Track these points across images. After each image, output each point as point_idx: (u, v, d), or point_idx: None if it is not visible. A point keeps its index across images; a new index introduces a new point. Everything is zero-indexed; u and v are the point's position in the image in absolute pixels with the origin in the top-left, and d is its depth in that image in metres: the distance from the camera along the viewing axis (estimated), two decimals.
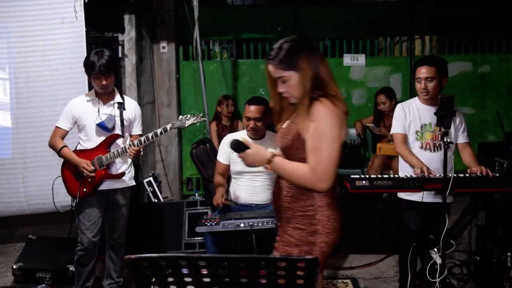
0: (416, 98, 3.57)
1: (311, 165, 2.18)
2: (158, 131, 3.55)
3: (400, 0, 6.78)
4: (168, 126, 3.53)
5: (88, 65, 3.51)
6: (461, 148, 3.52)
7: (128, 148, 3.53)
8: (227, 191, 4.04)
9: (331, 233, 2.26)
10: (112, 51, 5.46)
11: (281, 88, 2.28)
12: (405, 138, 3.50)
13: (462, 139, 3.50)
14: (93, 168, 3.56)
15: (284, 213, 2.32)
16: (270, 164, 2.27)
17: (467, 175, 3.28)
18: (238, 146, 2.35)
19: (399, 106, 3.59)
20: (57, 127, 3.68)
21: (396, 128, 3.53)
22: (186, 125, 3.57)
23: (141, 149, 3.58)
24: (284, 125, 2.36)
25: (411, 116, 3.49)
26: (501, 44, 6.53)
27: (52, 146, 3.69)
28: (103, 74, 3.49)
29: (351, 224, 4.66)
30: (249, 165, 2.34)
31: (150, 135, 3.54)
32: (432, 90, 3.40)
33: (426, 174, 3.21)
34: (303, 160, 2.22)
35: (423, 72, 3.41)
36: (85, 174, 3.56)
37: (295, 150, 2.26)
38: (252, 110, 3.90)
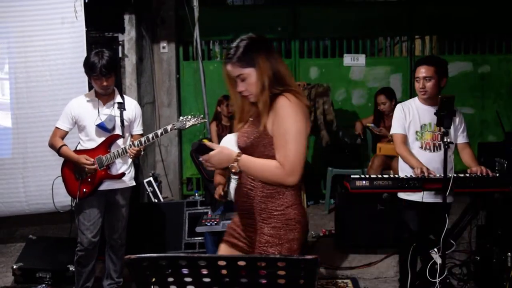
0: (416, 98, 3.57)
1: (280, 160, 2.19)
2: (159, 132, 3.55)
3: (400, 0, 6.79)
4: (169, 127, 3.53)
5: (89, 66, 3.50)
6: (461, 148, 3.52)
7: (129, 149, 3.53)
8: (227, 193, 4.04)
9: (305, 228, 2.34)
10: (112, 51, 5.46)
11: (240, 87, 2.27)
12: (405, 138, 3.50)
13: (461, 139, 3.50)
14: (92, 161, 3.55)
15: (259, 214, 2.28)
16: (238, 163, 2.23)
17: (467, 175, 3.28)
18: (203, 149, 2.26)
19: (398, 106, 3.59)
20: (56, 127, 3.68)
21: (396, 128, 3.53)
22: (187, 126, 3.57)
23: (142, 150, 3.58)
24: (246, 125, 2.36)
25: (411, 116, 3.49)
26: (501, 44, 6.54)
27: (51, 146, 3.69)
28: (104, 75, 3.48)
29: (351, 224, 4.71)
30: (215, 166, 2.28)
31: (150, 136, 3.54)
32: (430, 90, 3.40)
33: (426, 174, 3.21)
34: (269, 157, 2.23)
35: (421, 71, 3.41)
36: (86, 169, 3.55)
37: (261, 147, 2.26)
38: None
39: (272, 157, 2.22)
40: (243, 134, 2.34)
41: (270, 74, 2.22)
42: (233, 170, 2.26)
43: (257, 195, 2.29)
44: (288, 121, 2.17)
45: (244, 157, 2.25)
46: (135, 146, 3.51)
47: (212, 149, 2.25)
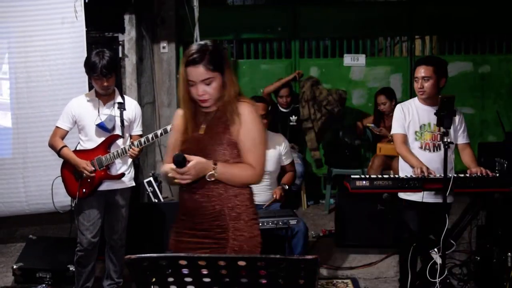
0: (416, 98, 3.57)
1: (252, 163, 2.31)
2: (158, 132, 3.55)
3: (400, 0, 6.79)
4: (168, 127, 3.53)
5: (89, 66, 3.50)
6: (461, 148, 3.52)
7: (129, 149, 3.53)
8: None
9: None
10: (112, 51, 5.46)
11: (201, 90, 2.27)
12: (405, 138, 3.50)
13: (462, 139, 3.50)
14: (93, 168, 3.56)
15: (231, 212, 2.35)
16: (215, 171, 2.25)
17: (467, 175, 3.28)
18: (181, 161, 2.22)
19: (398, 106, 3.59)
20: (57, 127, 3.68)
21: (396, 128, 3.54)
22: None
23: (141, 150, 3.58)
24: (201, 132, 2.35)
25: (410, 117, 3.49)
26: (501, 44, 6.53)
27: (52, 146, 3.69)
28: (104, 76, 3.48)
29: (351, 224, 4.71)
30: (194, 177, 2.23)
31: (150, 136, 3.55)
32: (429, 90, 3.40)
33: (426, 174, 3.21)
34: (226, 161, 2.30)
35: (420, 71, 3.42)
36: (84, 174, 3.56)
37: (230, 151, 2.32)
38: None
39: (228, 160, 2.30)
40: (205, 140, 2.34)
41: (235, 81, 2.34)
42: (211, 179, 2.27)
43: (225, 196, 2.34)
44: (256, 127, 2.32)
45: (220, 165, 2.28)
46: (135, 147, 3.52)
47: (188, 161, 2.23)
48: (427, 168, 3.25)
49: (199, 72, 2.26)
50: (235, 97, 2.33)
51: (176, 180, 2.26)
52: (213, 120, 2.36)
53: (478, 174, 3.26)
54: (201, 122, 2.38)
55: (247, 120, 2.31)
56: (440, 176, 3.17)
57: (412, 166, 3.34)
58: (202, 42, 2.31)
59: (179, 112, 2.45)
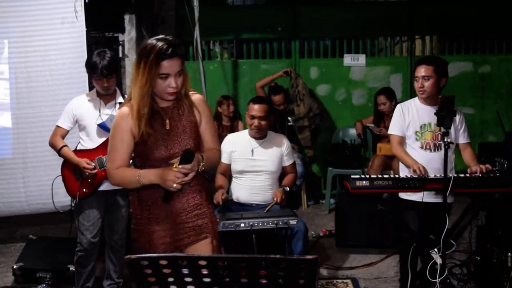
0: (416, 98, 3.58)
1: (216, 146, 2.56)
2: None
3: (400, 0, 6.79)
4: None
5: (90, 66, 3.50)
6: (462, 148, 3.52)
7: None
8: (228, 191, 4.04)
9: None
10: (112, 51, 5.45)
11: (175, 83, 2.32)
12: (402, 140, 3.53)
13: (462, 139, 3.51)
14: (93, 165, 3.55)
15: (207, 198, 2.57)
16: (204, 161, 2.39)
17: (467, 175, 3.28)
18: (189, 156, 2.29)
19: (398, 107, 3.59)
20: (57, 126, 3.68)
21: (393, 129, 3.55)
22: None
23: None
24: (167, 127, 2.41)
25: (410, 117, 3.50)
26: (501, 44, 6.54)
27: (52, 145, 3.69)
28: (105, 76, 3.48)
29: (351, 224, 4.71)
30: (193, 170, 2.32)
31: None
32: (429, 89, 3.40)
33: (422, 173, 3.22)
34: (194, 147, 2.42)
35: (420, 71, 3.42)
36: (86, 173, 3.55)
37: (195, 142, 2.46)
38: (257, 108, 3.91)
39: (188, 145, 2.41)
40: (181, 133, 2.43)
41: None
42: (203, 169, 2.39)
43: (202, 186, 2.52)
44: (210, 114, 2.57)
45: (204, 154, 2.44)
46: None
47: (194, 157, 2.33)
48: (424, 167, 3.26)
49: (176, 64, 2.30)
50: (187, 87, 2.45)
51: (177, 183, 2.29)
52: (174, 115, 2.43)
53: (478, 171, 3.27)
54: (162, 118, 2.41)
55: (204, 109, 2.50)
56: (440, 176, 3.17)
57: (408, 166, 3.36)
58: (163, 36, 2.37)
59: (126, 111, 2.41)
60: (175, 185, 2.28)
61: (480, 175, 3.26)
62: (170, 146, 2.40)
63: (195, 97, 2.51)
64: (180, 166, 2.28)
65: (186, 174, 2.29)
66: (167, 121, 2.41)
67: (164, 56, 2.27)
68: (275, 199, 3.88)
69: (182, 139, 2.42)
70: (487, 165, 3.29)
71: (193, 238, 2.47)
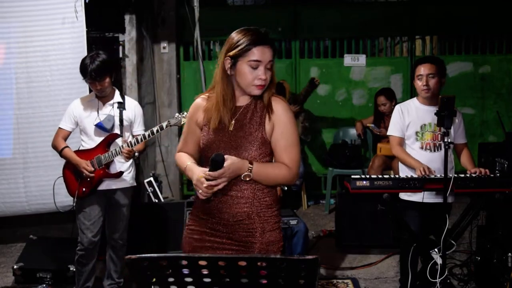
0: (415, 98, 3.57)
1: (287, 163, 2.21)
2: (154, 129, 3.54)
3: (400, 0, 6.79)
4: (164, 124, 3.52)
5: (81, 70, 3.51)
6: (459, 149, 3.52)
7: (121, 149, 3.53)
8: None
9: None
10: (112, 51, 5.46)
11: (265, 73, 2.17)
12: (401, 141, 3.52)
13: (460, 139, 3.50)
14: (92, 168, 3.56)
15: (258, 215, 2.23)
16: (252, 170, 2.15)
17: (468, 175, 3.28)
18: (221, 162, 2.08)
19: (397, 107, 3.59)
20: (59, 128, 3.71)
21: (392, 130, 3.55)
22: (182, 123, 3.55)
23: (136, 152, 3.57)
24: (231, 128, 2.21)
25: (410, 117, 3.49)
26: (501, 44, 6.53)
27: (54, 147, 3.71)
28: (94, 79, 3.48)
29: (351, 224, 4.71)
30: (228, 180, 2.12)
31: (146, 133, 3.56)
32: (434, 87, 3.39)
33: (427, 173, 3.21)
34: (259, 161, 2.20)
35: (424, 69, 3.39)
36: (84, 174, 3.56)
37: (260, 150, 2.22)
38: None
39: (256, 159, 2.19)
40: (237, 138, 2.21)
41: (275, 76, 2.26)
42: (246, 179, 2.16)
43: (255, 197, 2.22)
44: (292, 126, 2.24)
45: (256, 164, 2.17)
46: (128, 146, 3.51)
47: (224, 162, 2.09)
48: (428, 167, 3.25)
49: (269, 52, 2.14)
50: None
51: (206, 189, 2.11)
52: (243, 116, 2.22)
53: (478, 174, 3.26)
54: (229, 117, 2.22)
55: (283, 118, 2.21)
56: (441, 176, 3.17)
57: (413, 167, 3.34)
58: (256, 28, 2.18)
59: (199, 103, 2.30)
60: (200, 190, 2.13)
61: (480, 175, 3.26)
62: (226, 150, 2.19)
63: (276, 103, 2.23)
64: (206, 173, 2.10)
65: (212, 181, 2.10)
66: (233, 122, 2.21)
67: (257, 41, 2.11)
68: None
69: (242, 144, 2.19)
70: (486, 170, 3.29)
71: (235, 254, 2.20)
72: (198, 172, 2.18)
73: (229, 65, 2.17)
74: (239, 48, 2.13)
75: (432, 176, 3.22)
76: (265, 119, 2.21)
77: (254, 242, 2.21)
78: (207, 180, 2.11)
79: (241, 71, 2.15)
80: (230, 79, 2.21)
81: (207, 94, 2.31)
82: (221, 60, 2.20)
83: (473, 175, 3.26)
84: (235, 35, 2.18)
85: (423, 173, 3.22)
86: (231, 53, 2.15)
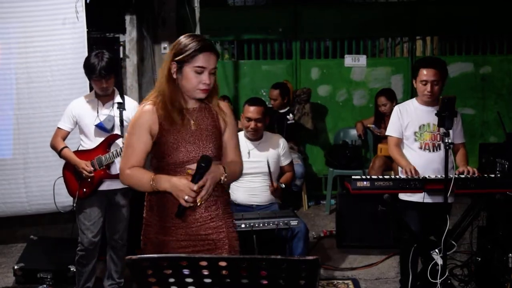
0: (414, 99, 3.58)
1: (238, 159, 2.43)
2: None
3: (401, 0, 6.79)
4: None
5: (88, 68, 3.50)
6: (456, 148, 3.52)
7: None
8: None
9: None
10: (113, 51, 5.45)
11: (209, 79, 2.26)
12: (399, 141, 3.54)
13: (457, 139, 3.50)
14: (92, 169, 3.56)
15: (225, 211, 2.38)
16: (226, 172, 2.27)
17: (468, 176, 3.28)
18: (209, 163, 2.16)
19: (396, 108, 3.59)
20: (58, 128, 3.70)
21: (391, 131, 3.57)
22: None
23: None
24: (193, 127, 2.31)
25: (409, 118, 3.49)
26: (502, 45, 6.53)
27: (53, 147, 3.70)
28: (103, 77, 3.48)
29: (352, 224, 4.71)
30: (210, 190, 2.20)
31: None
32: (437, 93, 3.41)
33: (413, 174, 3.24)
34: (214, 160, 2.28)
35: (430, 75, 3.37)
36: (84, 175, 3.56)
37: (217, 149, 2.36)
38: (253, 110, 3.90)
39: (213, 158, 2.28)
40: (199, 137, 2.31)
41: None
42: (223, 181, 2.27)
43: (219, 197, 2.34)
44: (236, 124, 2.49)
45: (226, 167, 2.31)
46: None
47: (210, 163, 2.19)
48: (415, 169, 3.28)
49: (213, 59, 2.25)
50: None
51: (191, 198, 2.15)
52: (201, 116, 2.34)
53: (465, 173, 3.27)
54: (186, 118, 2.30)
55: (231, 120, 2.41)
56: (441, 176, 3.17)
57: (402, 167, 3.37)
58: (200, 35, 2.33)
59: (148, 108, 2.29)
60: (186, 197, 2.14)
61: (469, 176, 3.26)
62: (191, 149, 2.26)
63: (224, 105, 2.42)
64: (197, 184, 2.14)
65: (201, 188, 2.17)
66: (192, 121, 2.30)
67: (202, 49, 2.21)
68: (270, 189, 3.89)
69: (204, 144, 2.29)
70: (474, 169, 3.30)
71: (207, 253, 2.28)
72: (182, 178, 2.18)
73: (174, 69, 2.26)
74: (186, 53, 2.22)
75: (416, 177, 3.23)
76: (219, 120, 2.36)
77: (221, 238, 2.31)
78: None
79: (187, 75, 2.25)
80: (175, 82, 2.28)
81: (151, 100, 2.32)
82: (167, 64, 2.27)
83: (461, 175, 3.26)
84: (182, 40, 2.26)
85: (409, 173, 3.24)
86: (177, 58, 2.24)
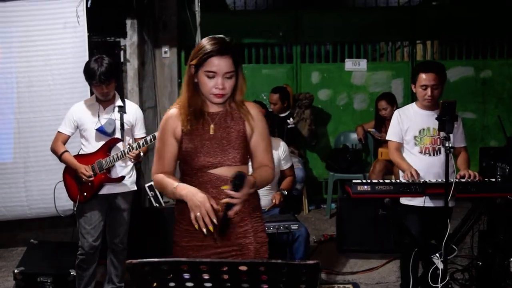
0: (414, 103, 3.58)
1: (268, 163, 2.33)
2: (157, 133, 3.55)
3: (401, 5, 6.80)
4: None
5: (88, 73, 3.50)
6: (457, 152, 3.52)
7: (128, 152, 3.53)
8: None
9: None
10: (114, 55, 5.47)
11: (222, 83, 2.19)
12: (399, 146, 3.54)
13: (458, 143, 3.50)
14: (91, 173, 3.56)
15: (251, 217, 2.31)
16: (256, 182, 2.20)
17: (469, 180, 3.28)
18: (243, 181, 2.09)
19: (395, 113, 3.60)
20: (59, 132, 3.69)
21: (391, 135, 3.57)
22: None
23: (142, 152, 3.57)
24: (212, 132, 2.25)
25: (409, 122, 3.49)
26: (502, 49, 6.54)
27: (53, 151, 3.71)
28: (103, 83, 3.48)
29: (352, 229, 4.70)
30: (243, 198, 2.12)
31: (148, 138, 3.56)
32: (437, 97, 3.41)
33: (415, 177, 3.23)
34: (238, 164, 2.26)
35: (429, 79, 3.36)
36: (83, 179, 3.56)
37: (241, 153, 2.30)
38: None
39: (237, 163, 2.26)
40: (219, 142, 2.25)
41: (245, 82, 2.32)
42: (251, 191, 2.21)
43: (252, 202, 2.30)
44: (266, 127, 2.39)
45: (257, 174, 2.25)
46: (134, 149, 3.52)
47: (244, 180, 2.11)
48: (416, 172, 3.27)
49: (225, 63, 2.16)
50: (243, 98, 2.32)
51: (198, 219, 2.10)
52: (222, 121, 2.27)
53: (466, 177, 3.26)
54: (207, 122, 2.26)
55: (260, 122, 2.32)
56: (442, 181, 3.17)
57: (403, 170, 3.37)
58: (221, 36, 2.21)
59: (172, 112, 2.29)
60: (198, 214, 2.09)
61: (469, 180, 3.25)
62: (211, 154, 2.22)
63: (251, 106, 2.34)
64: (227, 198, 2.08)
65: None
66: (212, 126, 2.25)
67: (214, 52, 2.14)
68: (273, 201, 3.90)
69: (226, 149, 2.24)
70: (475, 173, 3.29)
71: (236, 258, 2.24)
72: (195, 195, 2.13)
73: (192, 72, 2.22)
74: (199, 57, 2.19)
75: (417, 181, 3.23)
76: (244, 124, 2.29)
77: (248, 243, 2.26)
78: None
79: (200, 79, 2.21)
80: (196, 86, 2.25)
81: (178, 104, 2.31)
82: (188, 67, 2.25)
83: (462, 179, 3.25)
84: (201, 42, 2.23)
85: (409, 176, 3.24)
86: (192, 62, 2.22)
